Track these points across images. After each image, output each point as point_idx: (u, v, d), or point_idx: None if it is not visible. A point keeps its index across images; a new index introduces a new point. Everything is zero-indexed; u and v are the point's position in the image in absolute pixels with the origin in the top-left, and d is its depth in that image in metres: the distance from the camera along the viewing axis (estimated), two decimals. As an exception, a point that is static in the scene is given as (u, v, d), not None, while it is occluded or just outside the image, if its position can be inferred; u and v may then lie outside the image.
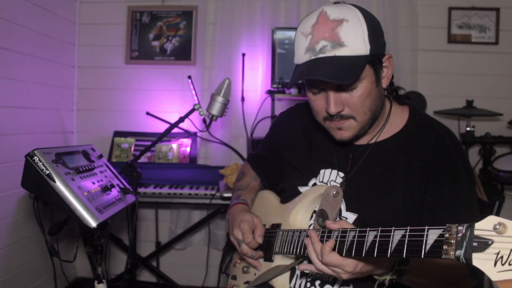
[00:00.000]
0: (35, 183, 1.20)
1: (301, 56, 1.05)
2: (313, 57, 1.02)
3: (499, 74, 2.82)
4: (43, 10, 2.59)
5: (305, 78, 1.02)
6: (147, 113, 2.90)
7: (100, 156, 1.52)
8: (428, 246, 0.72)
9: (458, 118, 2.76)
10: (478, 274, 1.06)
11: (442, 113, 2.63)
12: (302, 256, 1.15)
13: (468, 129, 2.59)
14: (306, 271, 1.11)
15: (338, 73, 0.97)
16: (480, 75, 2.84)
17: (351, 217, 1.13)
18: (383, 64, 1.09)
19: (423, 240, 0.74)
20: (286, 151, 1.34)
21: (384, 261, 0.95)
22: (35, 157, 1.19)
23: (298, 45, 1.07)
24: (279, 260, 1.21)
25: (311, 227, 1.17)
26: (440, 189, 1.06)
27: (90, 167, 1.37)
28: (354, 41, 1.00)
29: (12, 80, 2.34)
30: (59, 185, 1.18)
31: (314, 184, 1.23)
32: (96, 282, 1.36)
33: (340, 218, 1.14)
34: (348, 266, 0.91)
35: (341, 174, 1.19)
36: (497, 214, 1.43)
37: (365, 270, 0.93)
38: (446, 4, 2.83)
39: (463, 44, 2.83)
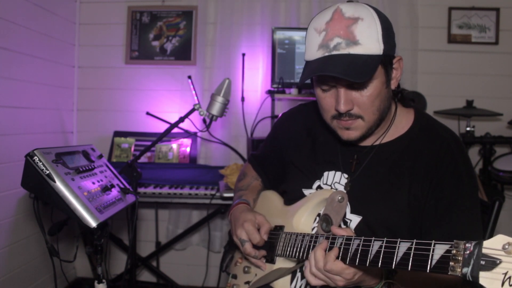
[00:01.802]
0: (35, 183, 1.20)
1: (314, 53, 1.04)
2: (326, 54, 1.01)
3: (499, 74, 2.82)
4: (43, 10, 2.59)
5: (319, 74, 1.00)
6: (147, 113, 2.90)
7: (100, 156, 1.52)
8: (434, 262, 0.72)
9: (458, 118, 2.76)
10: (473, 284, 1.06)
11: (442, 113, 2.64)
12: (304, 260, 1.15)
13: (468, 129, 2.59)
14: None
15: (352, 70, 0.96)
16: (480, 75, 2.84)
17: (355, 219, 1.13)
18: (393, 66, 1.09)
19: (429, 254, 0.73)
20: (289, 151, 1.34)
21: (376, 273, 0.96)
22: (35, 157, 1.19)
23: (310, 41, 1.05)
24: (281, 263, 1.21)
25: (314, 231, 1.17)
26: (442, 192, 1.06)
27: (90, 167, 1.37)
28: (369, 40, 0.99)
29: (12, 80, 2.34)
30: (59, 185, 1.18)
31: (319, 187, 1.23)
32: (96, 282, 1.36)
33: (345, 221, 1.14)
34: (349, 275, 0.91)
35: (345, 176, 1.19)
36: (497, 214, 1.43)
37: (359, 280, 0.94)
38: (446, 4, 2.83)
39: (463, 44, 2.83)
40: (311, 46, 1.05)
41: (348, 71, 0.96)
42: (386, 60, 1.04)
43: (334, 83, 1.04)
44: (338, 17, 1.01)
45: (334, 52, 1.00)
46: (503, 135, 2.60)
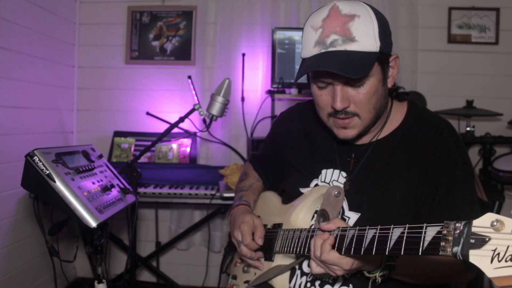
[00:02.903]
0: (35, 183, 1.20)
1: (310, 50, 1.04)
2: (323, 51, 1.01)
3: (499, 74, 2.82)
4: (43, 10, 2.59)
5: (316, 70, 1.00)
6: (147, 113, 2.90)
7: (100, 156, 1.52)
8: (426, 243, 0.73)
9: (458, 118, 2.76)
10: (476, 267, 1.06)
11: (442, 113, 2.63)
12: (303, 255, 1.15)
13: (468, 129, 2.59)
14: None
15: (349, 67, 0.96)
16: (480, 75, 2.84)
17: (353, 216, 1.14)
18: (390, 64, 1.10)
19: (421, 237, 0.74)
20: (287, 151, 1.34)
21: (375, 258, 0.96)
22: (35, 157, 1.19)
23: (307, 38, 1.06)
24: (280, 260, 1.22)
25: (312, 227, 1.17)
26: (438, 180, 1.07)
27: (90, 167, 1.37)
28: (365, 37, 1.00)
29: (12, 80, 2.34)
30: (59, 185, 1.18)
31: (316, 185, 1.23)
32: (96, 282, 1.36)
33: (343, 218, 1.15)
34: (346, 264, 0.91)
35: (344, 174, 1.19)
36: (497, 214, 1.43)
37: (358, 266, 0.94)
38: (446, 4, 2.83)
39: (463, 44, 2.83)
40: (307, 44, 1.05)
41: (344, 67, 0.96)
42: (382, 57, 1.04)
43: (330, 80, 1.04)
44: (334, 14, 1.01)
45: (331, 49, 1.00)
46: (503, 135, 2.60)
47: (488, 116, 2.73)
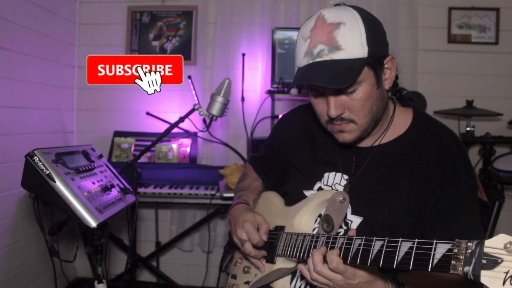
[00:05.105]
0: (35, 183, 1.20)
1: (301, 60, 1.07)
2: (310, 61, 1.03)
3: (499, 74, 2.82)
4: (43, 10, 2.59)
5: (302, 83, 1.03)
6: (147, 113, 2.90)
7: (100, 156, 1.52)
8: (435, 260, 0.72)
9: (458, 118, 2.76)
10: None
11: (442, 113, 2.63)
12: (305, 260, 1.15)
13: (468, 129, 2.59)
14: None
15: (334, 77, 0.97)
16: (480, 75, 2.84)
17: (356, 220, 1.13)
18: (385, 66, 1.08)
19: (430, 253, 0.73)
20: (289, 153, 1.34)
21: (380, 282, 0.95)
22: (35, 157, 1.19)
23: (298, 48, 1.08)
24: (281, 263, 1.21)
25: (315, 231, 1.17)
26: (442, 192, 1.07)
27: (90, 167, 1.37)
28: (351, 44, 0.99)
29: (12, 80, 2.33)
30: (59, 185, 1.18)
31: (320, 188, 1.23)
32: (96, 282, 1.36)
33: (345, 222, 1.14)
34: (347, 273, 0.91)
35: (345, 177, 1.19)
36: (497, 214, 1.43)
37: (362, 286, 0.93)
38: (446, 4, 2.83)
39: (463, 44, 2.83)
40: (299, 54, 1.08)
41: (330, 78, 0.97)
42: (373, 61, 1.03)
43: (322, 89, 1.06)
44: (320, 24, 1.02)
45: (318, 59, 1.01)
46: (503, 135, 2.60)
47: (488, 116, 2.73)
